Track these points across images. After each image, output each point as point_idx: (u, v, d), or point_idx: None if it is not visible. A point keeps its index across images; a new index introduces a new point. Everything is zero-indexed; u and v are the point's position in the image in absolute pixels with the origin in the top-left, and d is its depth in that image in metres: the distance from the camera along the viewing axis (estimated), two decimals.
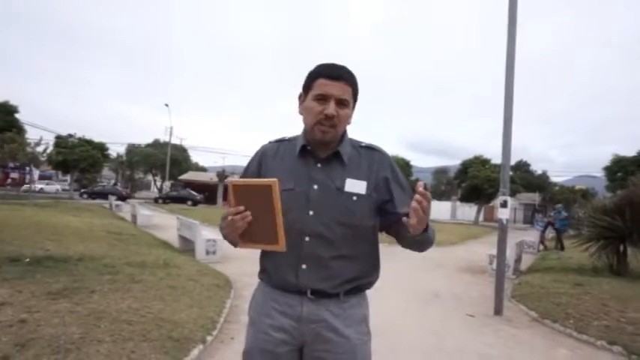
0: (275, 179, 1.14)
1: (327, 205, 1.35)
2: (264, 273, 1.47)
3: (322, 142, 1.38)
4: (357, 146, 1.47)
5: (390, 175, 1.44)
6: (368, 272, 1.44)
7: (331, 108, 1.32)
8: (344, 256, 1.36)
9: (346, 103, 1.36)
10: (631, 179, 9.66)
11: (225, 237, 1.36)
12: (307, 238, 1.33)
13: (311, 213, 1.34)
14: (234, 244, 1.33)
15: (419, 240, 1.32)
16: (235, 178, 1.22)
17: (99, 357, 2.99)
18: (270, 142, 1.53)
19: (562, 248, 13.93)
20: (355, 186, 1.37)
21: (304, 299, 1.36)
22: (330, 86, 1.33)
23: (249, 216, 1.19)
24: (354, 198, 1.36)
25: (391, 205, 1.41)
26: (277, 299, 1.39)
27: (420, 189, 1.16)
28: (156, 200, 35.22)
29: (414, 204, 1.17)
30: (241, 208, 1.19)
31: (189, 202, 34.45)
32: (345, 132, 1.46)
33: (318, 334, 1.35)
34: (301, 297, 1.36)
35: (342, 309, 1.38)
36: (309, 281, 1.35)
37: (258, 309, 1.45)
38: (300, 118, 1.44)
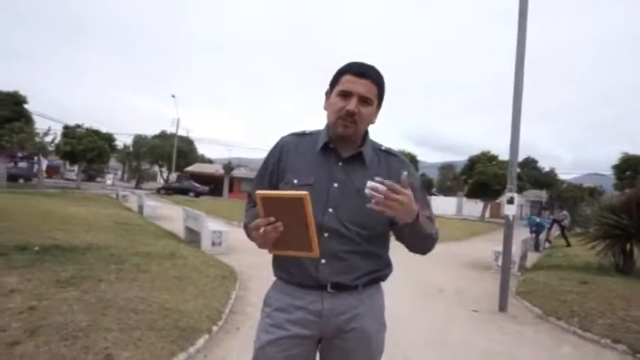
0: (306, 192, 1.14)
1: (346, 204, 1.36)
2: (281, 271, 1.45)
3: (343, 138, 1.38)
4: (378, 149, 1.48)
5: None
6: (383, 265, 1.47)
7: (353, 104, 1.32)
8: (361, 252, 1.38)
9: (369, 102, 1.36)
10: (639, 178, 9.59)
11: (256, 244, 1.35)
12: (326, 234, 1.33)
13: (330, 210, 1.35)
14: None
15: (408, 233, 1.30)
16: (264, 190, 1.20)
17: (106, 344, 3.03)
18: (290, 135, 1.53)
19: (536, 247, 14.04)
20: None
21: (324, 294, 1.37)
22: (355, 83, 1.33)
23: (280, 226, 1.18)
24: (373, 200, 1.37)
25: None
26: (296, 296, 1.39)
27: (388, 182, 1.13)
28: (158, 191, 35.39)
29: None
30: (272, 219, 1.18)
31: (192, 194, 34.59)
32: (367, 133, 1.46)
33: (339, 328, 1.37)
34: (321, 292, 1.37)
35: (360, 300, 1.40)
36: (329, 275, 1.35)
37: (274, 305, 1.43)
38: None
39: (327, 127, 1.44)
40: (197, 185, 37.19)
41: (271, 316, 1.42)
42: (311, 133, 1.50)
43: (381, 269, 1.46)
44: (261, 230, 1.19)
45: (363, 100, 1.34)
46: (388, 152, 1.49)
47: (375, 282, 1.46)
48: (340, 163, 1.40)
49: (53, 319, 3.32)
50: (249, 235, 1.40)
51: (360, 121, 1.35)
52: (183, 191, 34.92)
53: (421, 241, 1.35)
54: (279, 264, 1.46)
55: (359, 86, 1.33)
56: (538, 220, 15.12)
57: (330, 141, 1.41)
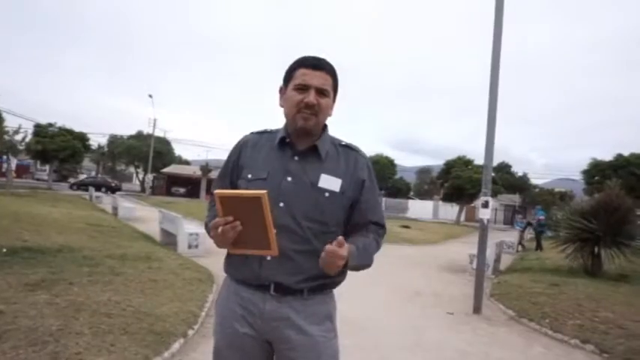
0: (264, 191, 1.14)
1: (298, 198, 1.35)
2: (229, 266, 1.46)
3: (304, 131, 1.38)
4: (337, 144, 1.48)
5: (367, 177, 1.45)
6: None
7: (311, 96, 1.34)
8: (309, 252, 1.33)
9: (326, 93, 1.37)
10: (607, 183, 9.93)
11: (215, 243, 1.34)
12: (274, 230, 1.29)
13: (281, 205, 1.34)
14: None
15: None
16: (222, 190, 1.21)
17: (78, 349, 2.95)
18: (252, 133, 1.54)
19: (540, 248, 14.41)
20: (329, 182, 1.37)
21: (267, 296, 1.35)
22: (311, 76, 1.35)
23: (239, 225, 1.18)
24: (327, 194, 1.36)
25: (358, 208, 1.43)
26: (241, 295, 1.39)
27: (329, 247, 1.21)
28: (71, 186, 34.90)
29: (322, 255, 1.23)
30: (230, 218, 1.18)
31: (104, 189, 34.24)
32: (326, 127, 1.47)
33: (280, 333, 1.34)
34: (264, 294, 1.35)
35: (305, 305, 1.36)
36: (272, 273, 1.33)
37: (223, 304, 1.45)
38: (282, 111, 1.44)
39: (286, 122, 1.44)
40: (109, 181, 38.50)
41: (221, 317, 1.44)
42: (271, 131, 1.51)
43: (330, 275, 1.33)
44: (220, 229, 1.19)
45: (321, 92, 1.36)
46: (348, 147, 1.49)
47: (324, 288, 1.41)
48: (296, 157, 1.40)
49: (21, 323, 3.22)
50: (209, 234, 1.39)
51: (321, 112, 1.37)
52: (96, 187, 34.61)
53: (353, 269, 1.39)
54: (229, 261, 1.46)
55: (315, 78, 1.35)
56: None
57: (287, 136, 1.42)
